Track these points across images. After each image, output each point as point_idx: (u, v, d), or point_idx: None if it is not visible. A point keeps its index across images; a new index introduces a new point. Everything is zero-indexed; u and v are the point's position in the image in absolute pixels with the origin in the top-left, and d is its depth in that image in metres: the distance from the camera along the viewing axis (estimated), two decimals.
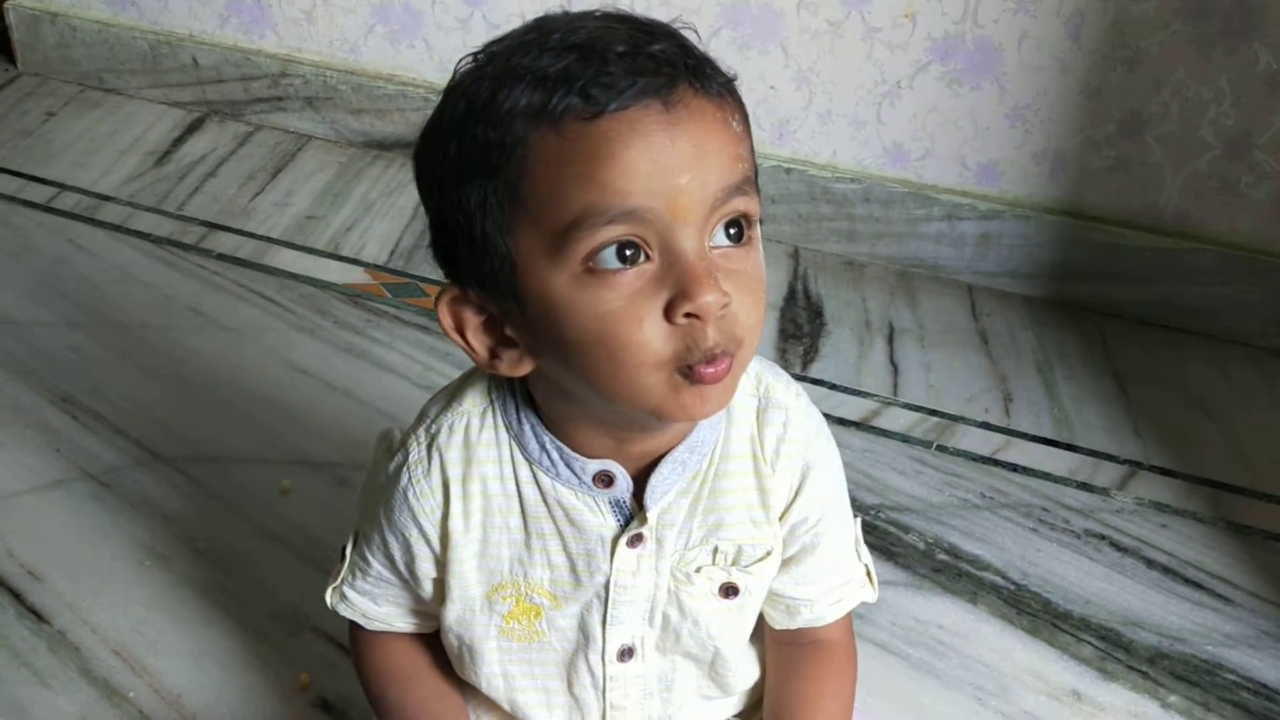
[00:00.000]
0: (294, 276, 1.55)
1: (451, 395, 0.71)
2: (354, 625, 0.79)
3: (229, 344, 1.42)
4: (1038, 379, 1.43)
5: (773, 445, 0.71)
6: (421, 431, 0.70)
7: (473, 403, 0.69)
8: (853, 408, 1.36)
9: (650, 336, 0.58)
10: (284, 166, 1.81)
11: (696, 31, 0.63)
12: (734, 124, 0.61)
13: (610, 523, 0.69)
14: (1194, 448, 1.33)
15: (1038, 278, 1.57)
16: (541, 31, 0.59)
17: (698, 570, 0.72)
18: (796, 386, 0.74)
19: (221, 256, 1.59)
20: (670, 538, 0.70)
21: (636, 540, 0.69)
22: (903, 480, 1.26)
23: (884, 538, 1.18)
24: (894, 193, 1.59)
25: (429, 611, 0.76)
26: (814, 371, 1.42)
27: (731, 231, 0.60)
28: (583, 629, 0.72)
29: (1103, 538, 1.20)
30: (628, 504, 0.69)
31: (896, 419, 1.35)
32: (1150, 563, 1.18)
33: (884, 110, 1.56)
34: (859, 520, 0.79)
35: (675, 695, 0.77)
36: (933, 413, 1.37)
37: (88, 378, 1.35)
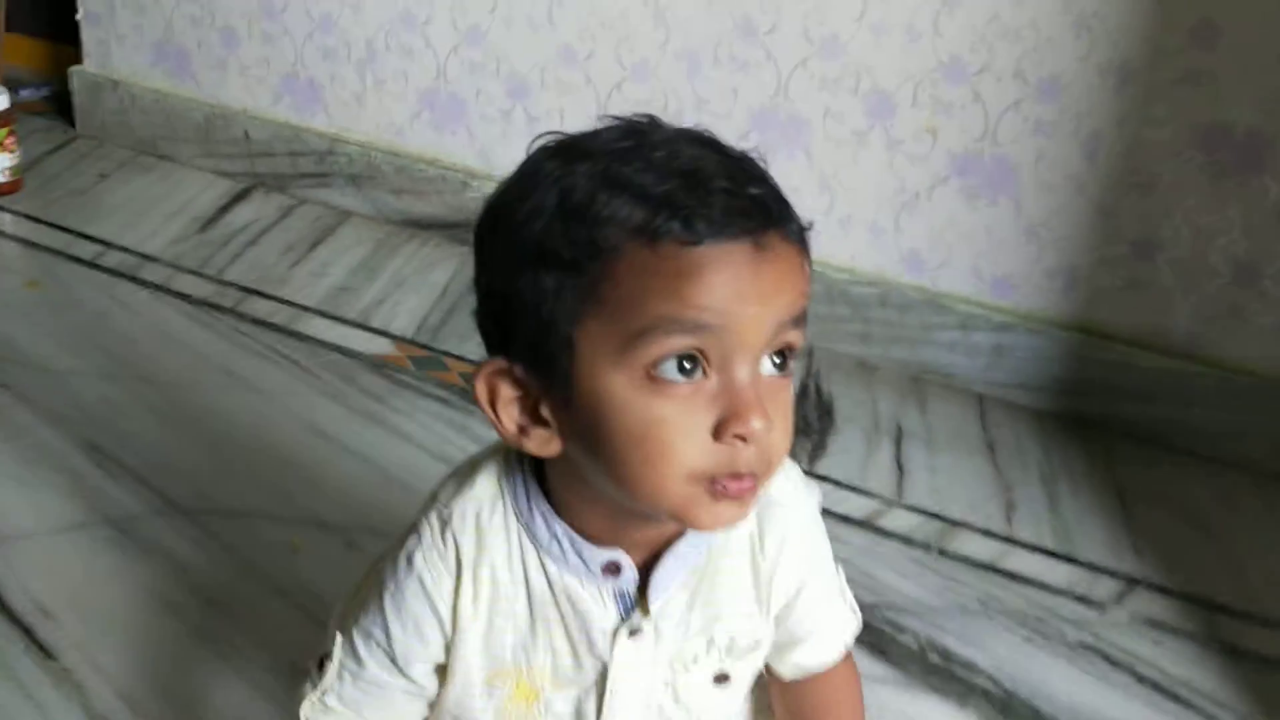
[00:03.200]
0: (323, 344, 1.61)
1: (463, 480, 0.72)
2: None
3: (255, 404, 1.47)
4: (1041, 490, 1.45)
5: (775, 547, 0.73)
6: (434, 515, 0.71)
7: (484, 488, 0.71)
8: (856, 506, 1.39)
9: (693, 449, 0.61)
10: (323, 239, 1.88)
11: (767, 161, 0.67)
12: (805, 266, 0.65)
13: (612, 614, 0.71)
14: (1192, 568, 1.34)
15: (1047, 391, 1.60)
16: (641, 144, 0.63)
17: (694, 660, 0.74)
18: (793, 472, 0.76)
19: (256, 321, 1.65)
20: (669, 630, 0.72)
21: (636, 632, 0.71)
22: (901, 581, 1.28)
23: (878, 636, 1.20)
24: (910, 299, 1.63)
25: (411, 713, 0.76)
26: (820, 468, 1.45)
27: (777, 361, 0.63)
28: (578, 715, 0.74)
29: (1095, 650, 1.21)
30: (631, 595, 0.71)
31: (899, 520, 1.37)
32: (1141, 678, 1.18)
33: (903, 219, 1.61)
34: (841, 573, 0.81)
35: None
36: (935, 516, 1.39)
37: (116, 428, 1.40)
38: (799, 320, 0.63)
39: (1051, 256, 1.57)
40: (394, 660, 0.73)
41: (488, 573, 0.70)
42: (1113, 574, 1.33)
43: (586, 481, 0.67)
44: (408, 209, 1.92)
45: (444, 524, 0.71)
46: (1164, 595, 1.30)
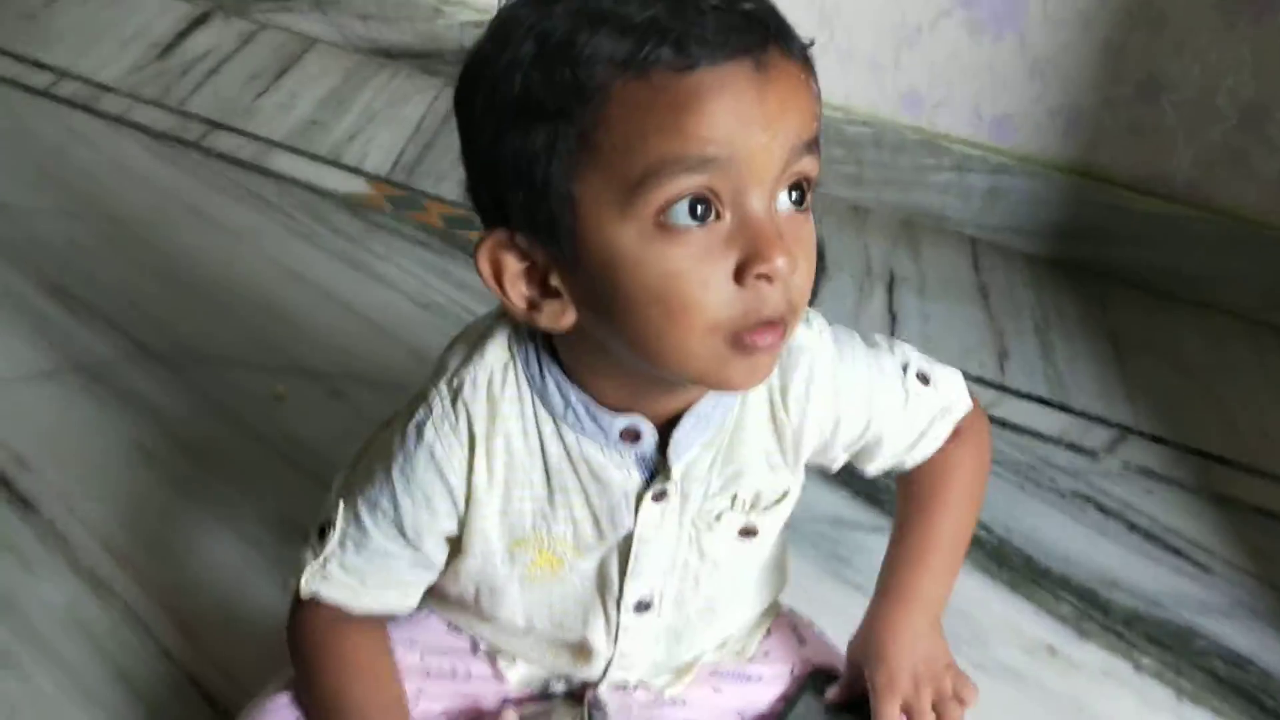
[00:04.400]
0: (294, 182, 1.54)
1: (472, 347, 0.68)
2: (307, 611, 0.74)
3: (226, 245, 1.41)
4: (1035, 338, 1.43)
5: (799, 398, 0.70)
6: (443, 385, 0.68)
7: (495, 355, 0.67)
8: None
9: (714, 299, 0.57)
10: (288, 68, 1.78)
11: None
12: (813, 84, 0.60)
13: (636, 478, 0.68)
14: (1184, 417, 1.33)
15: (1043, 235, 1.57)
16: None
17: (718, 518, 0.72)
18: (810, 313, 0.72)
19: (222, 156, 1.57)
20: (693, 490, 0.70)
21: (661, 495, 0.69)
22: None
23: (869, 485, 1.18)
24: (905, 140, 1.58)
25: (416, 583, 0.74)
26: None
27: (794, 195, 0.59)
28: (602, 577, 0.72)
29: (1088, 499, 1.21)
30: (652, 459, 0.68)
31: None
32: (1133, 526, 1.19)
33: (903, 54, 1.54)
34: (902, 349, 0.77)
35: (681, 646, 0.78)
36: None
37: (82, 268, 1.34)
38: (812, 146, 0.59)
39: (1054, 95, 1.51)
40: (402, 531, 0.70)
41: (502, 443, 0.68)
42: (1105, 423, 1.32)
43: (604, 350, 0.63)
44: (376, 36, 1.82)
45: (455, 393, 0.67)
46: (1156, 444, 1.30)
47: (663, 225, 0.56)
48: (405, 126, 1.67)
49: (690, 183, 0.56)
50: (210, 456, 1.12)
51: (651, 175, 0.55)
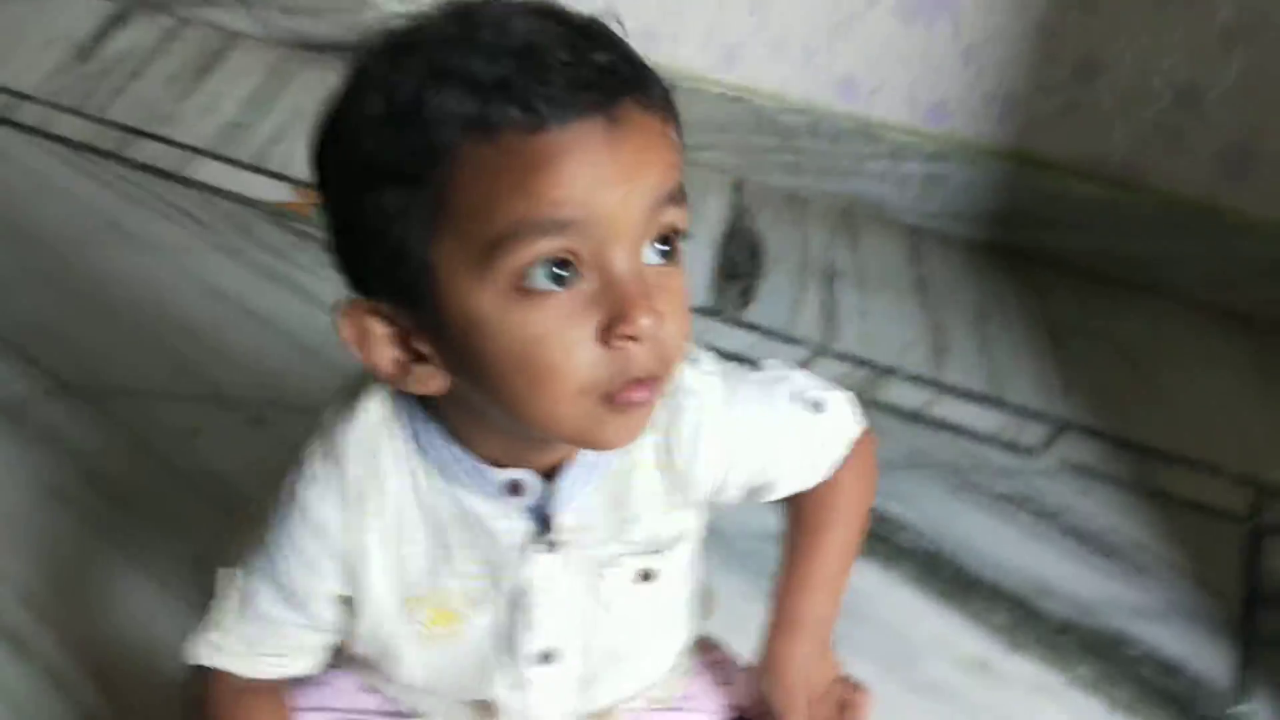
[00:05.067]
0: (217, 191, 1.50)
1: (347, 403, 0.66)
2: (205, 682, 0.73)
3: (146, 265, 1.38)
4: (972, 330, 1.42)
5: (689, 443, 0.69)
6: (318, 443, 0.66)
7: (373, 411, 0.65)
8: (785, 355, 1.35)
9: (579, 363, 0.55)
10: (211, 67, 1.73)
11: (622, 23, 0.59)
12: (671, 134, 0.58)
13: (522, 528, 0.67)
14: (1121, 408, 1.33)
15: (981, 222, 1.55)
16: (468, 25, 0.55)
17: (612, 564, 0.71)
18: (699, 353, 0.71)
19: (143, 166, 1.53)
20: (585, 539, 0.68)
21: (551, 545, 0.67)
22: None
23: None
24: (841, 128, 1.55)
25: (312, 646, 0.73)
26: (749, 315, 1.40)
27: (662, 248, 0.57)
28: (501, 632, 0.71)
29: (1023, 502, 1.21)
30: (540, 510, 0.67)
31: (828, 369, 1.34)
32: (1067, 529, 1.18)
33: (836, 41, 1.52)
34: (793, 377, 0.74)
35: (594, 695, 0.77)
36: (865, 363, 1.36)
37: None
38: (676, 197, 0.57)
39: (990, 80, 1.48)
40: (285, 596, 0.69)
41: (383, 500, 0.66)
42: (1041, 417, 1.31)
43: (479, 411, 0.61)
44: (301, 30, 1.78)
45: (328, 453, 0.66)
46: (1092, 438, 1.29)
47: (521, 289, 0.55)
48: None
49: (546, 246, 0.54)
50: (127, 497, 1.11)
51: (506, 239, 0.54)
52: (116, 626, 0.99)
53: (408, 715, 0.79)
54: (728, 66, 1.58)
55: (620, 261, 0.55)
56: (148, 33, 1.79)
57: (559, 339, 0.55)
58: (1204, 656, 1.07)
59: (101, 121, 1.60)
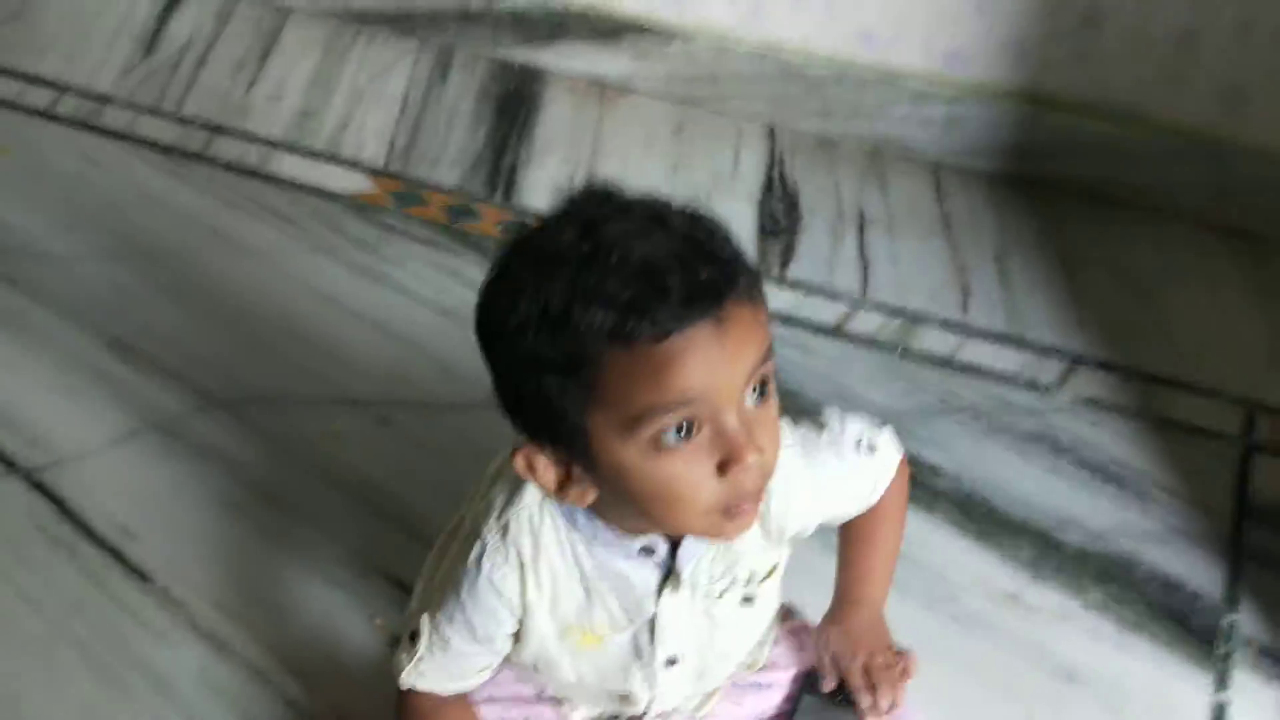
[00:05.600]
0: (300, 186, 1.65)
1: (512, 490, 0.85)
2: (409, 698, 0.94)
3: (253, 270, 1.54)
4: (994, 267, 1.58)
5: (780, 500, 0.87)
6: (494, 523, 0.85)
7: (532, 496, 0.85)
8: (827, 311, 1.52)
9: (704, 493, 0.75)
10: (270, 49, 1.86)
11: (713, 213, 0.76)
12: (762, 313, 0.75)
13: (653, 579, 0.87)
14: (1129, 337, 1.50)
15: (998, 158, 1.69)
16: (597, 246, 0.71)
17: (720, 595, 0.91)
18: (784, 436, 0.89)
19: (228, 166, 1.68)
20: (700, 580, 0.89)
21: (675, 588, 0.87)
22: (870, 389, 1.43)
23: None
24: (864, 78, 1.68)
25: (491, 666, 0.93)
26: (791, 273, 1.56)
27: (758, 390, 0.75)
28: (636, 647, 0.91)
29: (1043, 438, 1.39)
30: (665, 562, 0.86)
31: (866, 322, 1.51)
32: (1082, 462, 1.37)
33: None
34: (851, 426, 0.94)
35: (706, 681, 0.98)
36: (899, 313, 1.52)
37: (132, 317, 1.48)
38: (767, 357, 0.75)
39: (1002, 29, 1.60)
40: (475, 638, 0.90)
41: (545, 565, 0.86)
42: (1059, 353, 1.48)
43: (619, 510, 0.81)
44: (348, 2, 1.88)
45: (503, 530, 0.85)
46: (1104, 371, 1.46)
47: (657, 445, 0.73)
48: (392, 105, 1.77)
49: (673, 418, 0.72)
50: (285, 502, 1.30)
51: (643, 416, 0.72)
52: (297, 623, 1.20)
53: (557, 700, 1.01)
54: (753, 23, 1.69)
55: (730, 418, 0.73)
56: (204, 14, 1.90)
57: (688, 478, 0.74)
58: (1200, 573, 1.27)
59: (182, 121, 1.74)
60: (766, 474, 0.77)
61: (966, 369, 1.46)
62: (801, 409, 1.35)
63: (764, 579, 0.93)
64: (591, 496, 0.79)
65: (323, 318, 1.49)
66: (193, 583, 1.23)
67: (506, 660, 0.96)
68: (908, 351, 1.48)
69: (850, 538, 1.03)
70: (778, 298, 1.53)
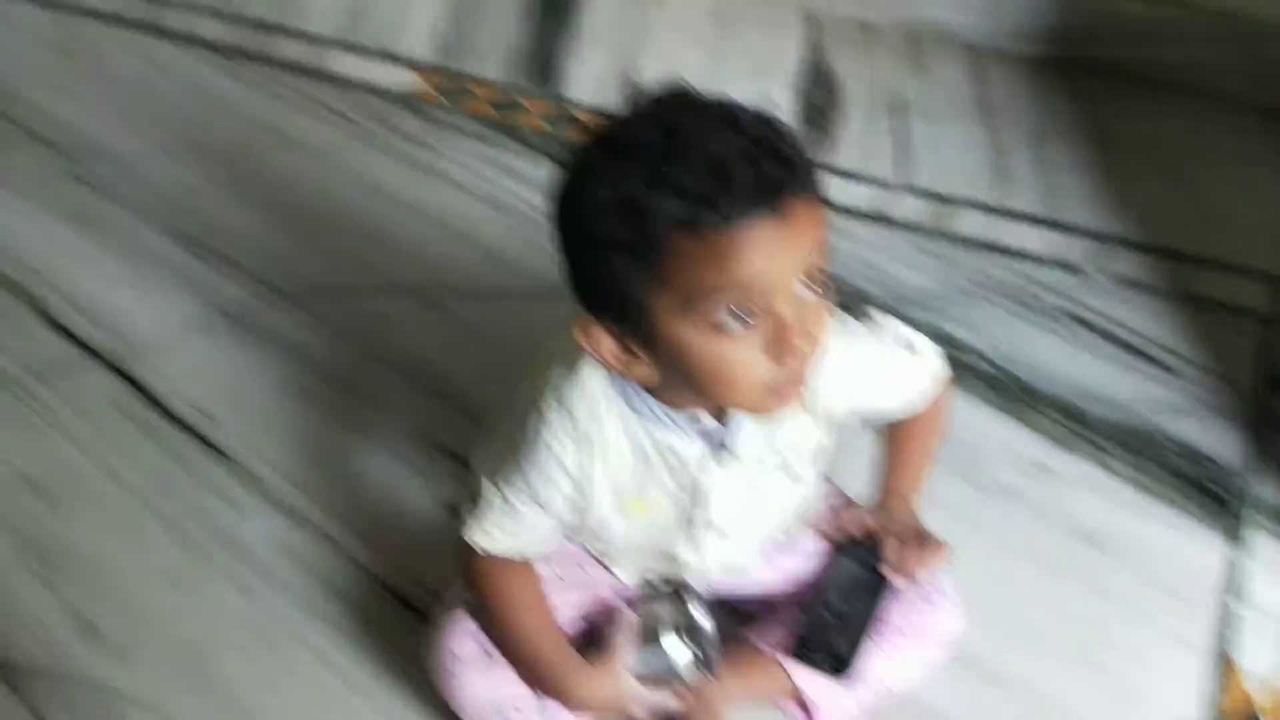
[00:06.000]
0: (353, 84, 1.71)
1: (570, 366, 0.92)
2: (477, 559, 1.01)
3: (310, 167, 1.61)
4: (1031, 152, 1.61)
5: (824, 390, 0.93)
6: (552, 397, 0.92)
7: (589, 372, 0.91)
8: (865, 196, 1.56)
9: (756, 373, 0.81)
10: None
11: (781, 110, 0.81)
12: (820, 212, 0.81)
13: (701, 448, 0.93)
14: (1163, 216, 1.53)
15: (1037, 39, 1.70)
16: (672, 138, 0.77)
17: (765, 469, 0.98)
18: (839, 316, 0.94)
19: (285, 66, 1.74)
20: (746, 453, 0.95)
21: (721, 458, 0.94)
22: (907, 272, 1.48)
23: None
24: None
25: (551, 530, 1.00)
26: (830, 158, 1.60)
27: (810, 284, 0.81)
28: (684, 516, 0.99)
29: (1074, 317, 1.43)
30: (714, 435, 0.93)
31: (903, 206, 1.55)
32: (1111, 338, 1.41)
33: None
34: (891, 324, 1.00)
35: (746, 546, 1.06)
36: (936, 197, 1.56)
37: (199, 213, 1.55)
38: (821, 250, 0.81)
39: None
40: (537, 502, 0.97)
41: (600, 436, 0.93)
42: (1092, 234, 1.52)
43: (674, 387, 0.88)
44: None
45: (560, 402, 0.92)
46: (1136, 250, 1.50)
47: (713, 325, 0.80)
48: (438, 1, 1.81)
49: (730, 300, 0.79)
50: (348, 384, 1.38)
51: (703, 297, 0.78)
52: (366, 494, 1.29)
53: (606, 561, 1.10)
54: None
55: (782, 305, 0.79)
56: None
57: (742, 359, 0.81)
58: (1220, 443, 1.32)
59: (240, 21, 1.80)
60: (811, 360, 0.83)
61: (1001, 250, 1.50)
62: (840, 290, 1.42)
63: (807, 456, 1.00)
64: (649, 375, 0.86)
65: (375, 210, 1.55)
66: (267, 459, 1.32)
67: (566, 525, 1.04)
68: (945, 235, 1.52)
69: (893, 437, 1.09)
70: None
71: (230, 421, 1.35)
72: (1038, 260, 1.49)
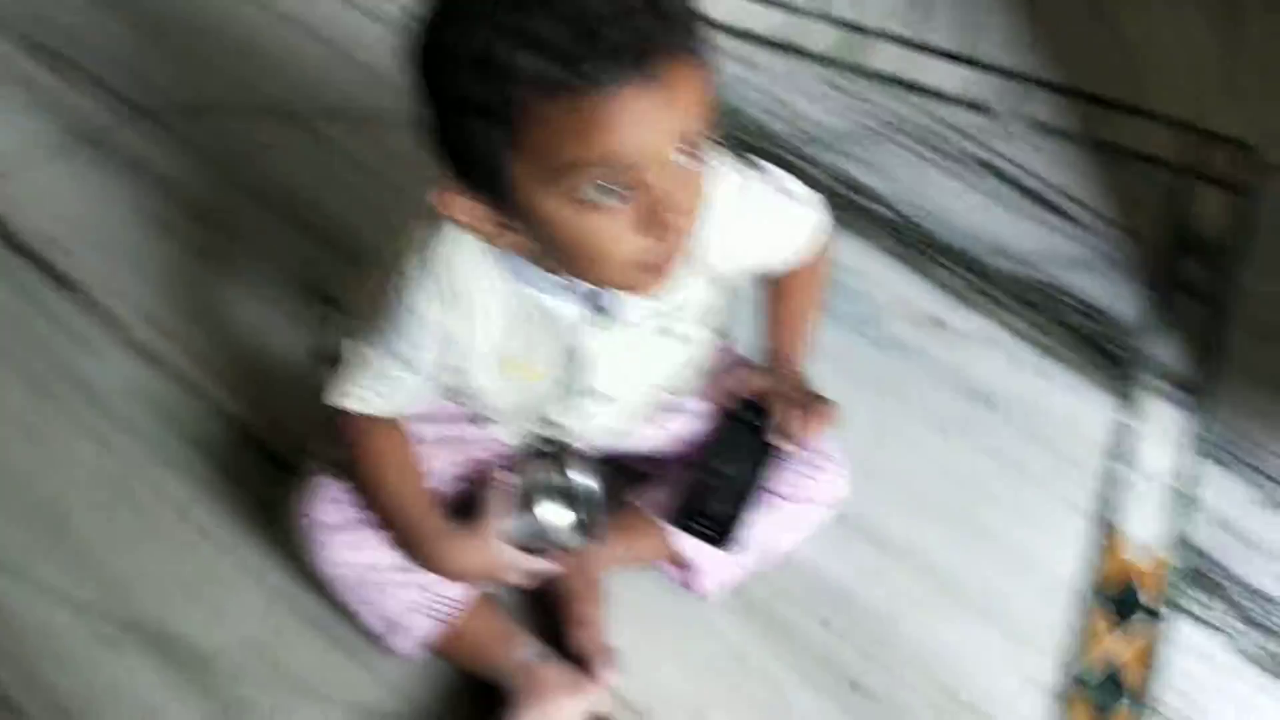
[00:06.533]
0: None
1: (435, 225, 0.84)
2: (347, 417, 0.95)
3: None
4: None
5: (711, 245, 0.86)
6: (414, 256, 0.85)
7: (454, 231, 0.83)
8: (777, 22, 1.46)
9: (625, 249, 0.74)
10: None
11: None
12: (704, 74, 0.72)
13: (577, 311, 0.87)
14: (1086, 59, 1.46)
15: None
16: None
17: (651, 330, 0.92)
18: (717, 160, 0.86)
19: None
20: (627, 315, 0.89)
21: (601, 322, 0.88)
22: (812, 107, 1.40)
23: (792, 173, 1.33)
24: None
25: (421, 389, 0.94)
26: None
27: (685, 150, 0.73)
28: (567, 379, 0.93)
29: (983, 163, 1.38)
30: (591, 297, 0.87)
31: (821, 36, 1.46)
32: (1018, 186, 1.36)
33: None
34: (775, 175, 0.94)
35: (630, 409, 1.01)
36: (851, 26, 1.47)
37: (55, 24, 1.41)
38: (702, 118, 0.73)
39: None
40: (401, 363, 0.91)
41: (467, 297, 0.86)
42: (1009, 73, 1.45)
43: (546, 259, 0.81)
44: None
45: (423, 263, 0.85)
46: (1054, 93, 1.43)
47: (577, 199, 0.72)
48: None
49: (595, 174, 0.71)
50: (217, 220, 1.29)
51: (564, 169, 0.71)
52: (230, 338, 1.22)
53: (483, 420, 1.05)
54: None
55: (655, 177, 0.72)
56: None
57: (608, 233, 0.74)
58: (1123, 301, 1.29)
59: None
60: (686, 232, 0.76)
61: (915, 89, 1.43)
62: (740, 125, 1.36)
63: (693, 316, 0.94)
64: (524, 245, 0.78)
65: (252, 22, 1.44)
66: (125, 297, 1.23)
67: (440, 386, 0.98)
68: (858, 69, 1.44)
69: (773, 294, 1.03)
70: (724, 4, 1.47)
71: (84, 254, 1.26)
72: (950, 100, 1.42)
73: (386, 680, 1.02)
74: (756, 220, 0.92)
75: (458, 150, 0.74)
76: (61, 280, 1.24)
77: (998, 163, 1.38)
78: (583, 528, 0.99)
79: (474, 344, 0.89)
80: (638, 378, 0.97)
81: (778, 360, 1.04)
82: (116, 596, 1.05)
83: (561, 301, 0.86)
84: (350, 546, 0.99)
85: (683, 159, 0.73)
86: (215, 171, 1.32)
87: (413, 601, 1.00)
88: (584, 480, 1.00)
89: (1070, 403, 1.22)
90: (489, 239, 0.79)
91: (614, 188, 0.71)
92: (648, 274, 0.77)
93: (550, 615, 1.03)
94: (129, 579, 1.06)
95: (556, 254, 0.77)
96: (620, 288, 0.80)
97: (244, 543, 1.08)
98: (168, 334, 1.21)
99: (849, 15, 1.48)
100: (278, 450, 1.13)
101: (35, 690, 1.00)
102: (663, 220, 0.73)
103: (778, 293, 1.04)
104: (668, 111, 0.70)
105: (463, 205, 0.77)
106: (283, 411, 1.15)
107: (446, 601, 1.00)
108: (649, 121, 0.69)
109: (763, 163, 0.93)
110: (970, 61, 1.45)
